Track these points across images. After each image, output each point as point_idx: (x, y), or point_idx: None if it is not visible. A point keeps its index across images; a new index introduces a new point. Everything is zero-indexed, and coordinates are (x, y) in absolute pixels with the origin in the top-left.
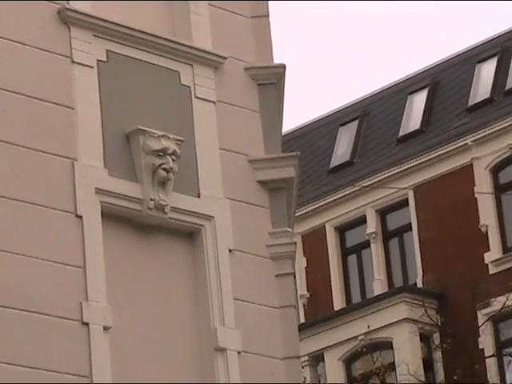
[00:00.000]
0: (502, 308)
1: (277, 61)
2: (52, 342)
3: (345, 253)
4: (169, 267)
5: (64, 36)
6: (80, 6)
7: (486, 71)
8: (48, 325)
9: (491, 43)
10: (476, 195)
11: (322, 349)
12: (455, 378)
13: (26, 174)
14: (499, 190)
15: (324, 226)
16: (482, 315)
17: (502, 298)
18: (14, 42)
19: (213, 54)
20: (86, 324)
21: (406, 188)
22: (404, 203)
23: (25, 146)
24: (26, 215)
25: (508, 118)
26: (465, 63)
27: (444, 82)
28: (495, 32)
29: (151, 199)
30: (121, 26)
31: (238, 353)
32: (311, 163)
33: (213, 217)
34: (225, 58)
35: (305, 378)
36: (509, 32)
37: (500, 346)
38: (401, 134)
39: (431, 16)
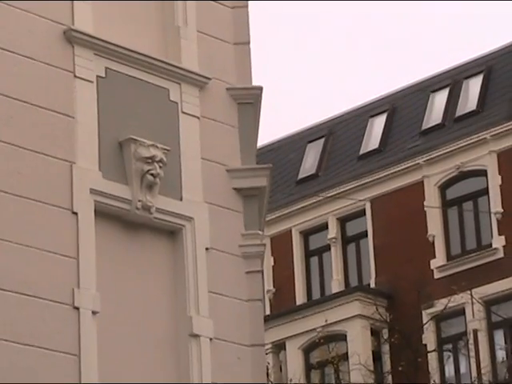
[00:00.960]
0: (444, 309)
1: (255, 83)
2: (46, 323)
3: (308, 254)
4: (152, 261)
5: (68, 53)
6: (83, 28)
7: (439, 100)
8: (43, 307)
9: (444, 75)
10: (425, 208)
11: (284, 338)
12: (400, 368)
13: (29, 174)
14: (446, 205)
15: (290, 230)
16: (426, 314)
17: (444, 300)
18: (24, 56)
19: (199, 74)
20: (77, 308)
21: (363, 200)
22: (361, 213)
23: (29, 149)
24: (27, 210)
25: (456, 142)
26: (420, 92)
27: (401, 107)
28: (447, 66)
29: (139, 200)
30: (119, 46)
31: (210, 339)
32: (281, 174)
33: (193, 218)
34: (209, 79)
35: (268, 364)
36: (459, 67)
37: (441, 342)
38: (361, 152)
39: (390, 49)
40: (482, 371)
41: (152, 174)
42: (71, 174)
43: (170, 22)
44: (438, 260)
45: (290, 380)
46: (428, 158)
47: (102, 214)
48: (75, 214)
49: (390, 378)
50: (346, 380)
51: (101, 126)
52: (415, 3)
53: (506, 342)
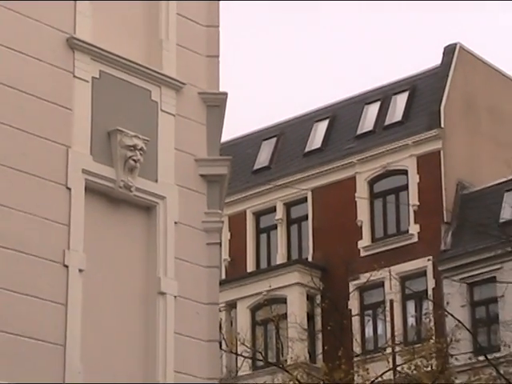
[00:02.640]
0: (366, 281)
1: (222, 89)
2: (40, 277)
3: (258, 231)
4: (130, 231)
5: (69, 57)
6: (83, 37)
7: (371, 111)
8: (39, 264)
9: (376, 91)
10: (356, 199)
11: (236, 299)
12: (329, 328)
13: (32, 154)
14: (373, 196)
15: (245, 211)
16: (352, 285)
17: (367, 275)
18: (33, 57)
19: (176, 80)
20: (66, 266)
21: (306, 189)
22: (304, 200)
23: (33, 134)
24: (29, 184)
25: (384, 146)
26: (356, 104)
27: (340, 115)
28: (380, 83)
29: (122, 180)
30: (111, 53)
31: (175, 297)
32: (240, 165)
33: (165, 197)
34: (184, 84)
35: (221, 319)
36: (389, 85)
37: (363, 308)
38: (306, 150)
39: (333, 65)
40: (396, 333)
41: (133, 160)
42: (67, 156)
43: (154, 36)
44: (364, 241)
45: (238, 333)
46: (360, 157)
47: (91, 190)
48: (69, 189)
49: (320, 335)
50: (284, 335)
51: (93, 118)
52: (355, 31)
53: (415, 311)
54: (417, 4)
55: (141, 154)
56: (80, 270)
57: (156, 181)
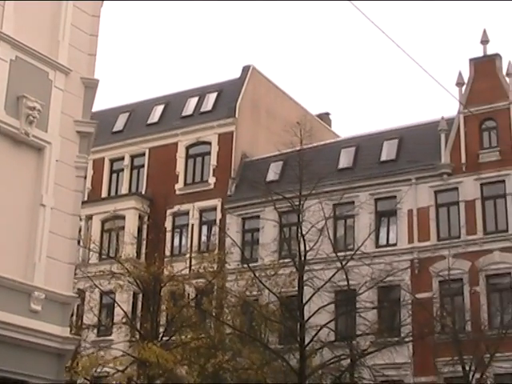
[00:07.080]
0: (177, 210)
1: (96, 77)
2: None
3: (112, 172)
4: (27, 163)
5: None
6: (7, 31)
7: (193, 102)
8: None
9: (197, 90)
10: (177, 157)
11: (92, 214)
12: (150, 238)
13: None
14: (188, 157)
15: (104, 158)
16: (168, 212)
17: (178, 206)
18: None
19: (66, 67)
20: None
21: (145, 148)
22: (143, 154)
23: None
24: None
25: (198, 125)
26: (183, 96)
27: (172, 103)
28: (199, 85)
29: (23, 129)
30: (25, 45)
31: (51, 208)
32: (104, 128)
33: (51, 143)
34: (71, 71)
35: (81, 226)
36: (205, 86)
37: (174, 227)
38: (148, 122)
39: (170, 65)
40: (193, 245)
41: (32, 116)
42: None
43: (55, 37)
44: (179, 185)
45: (91, 236)
46: (182, 131)
47: (4, 134)
48: None
49: (145, 242)
50: (121, 240)
51: (8, 86)
52: (192, 43)
53: (207, 232)
54: (224, 32)
55: (38, 113)
56: None
57: (46, 131)
